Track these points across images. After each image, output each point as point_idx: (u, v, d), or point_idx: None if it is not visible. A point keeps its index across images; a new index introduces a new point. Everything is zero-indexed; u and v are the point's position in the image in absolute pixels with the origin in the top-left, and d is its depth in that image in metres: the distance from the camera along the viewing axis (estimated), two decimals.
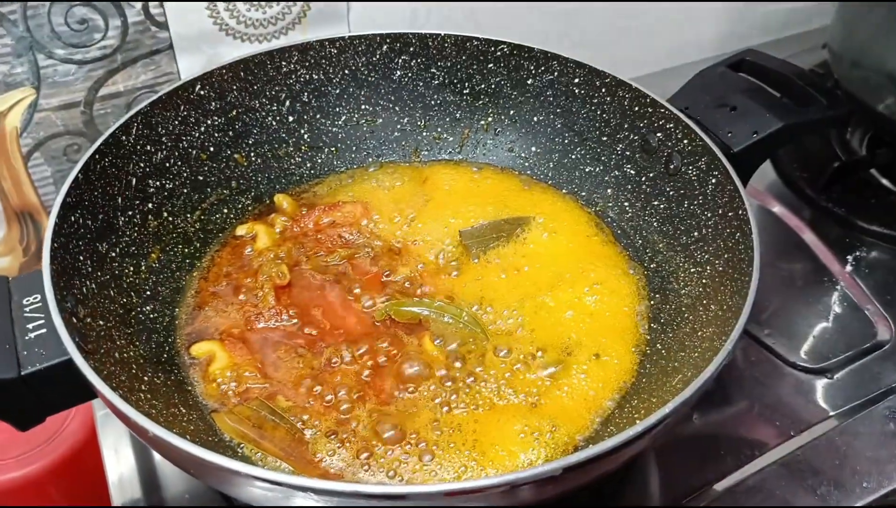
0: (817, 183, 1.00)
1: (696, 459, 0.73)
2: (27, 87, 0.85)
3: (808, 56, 1.20)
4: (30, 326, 0.59)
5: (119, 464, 0.73)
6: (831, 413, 0.77)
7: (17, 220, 0.93)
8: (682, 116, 0.75)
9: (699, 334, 0.66)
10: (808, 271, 0.92)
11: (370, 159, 0.91)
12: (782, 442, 0.75)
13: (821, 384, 0.80)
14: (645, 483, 0.73)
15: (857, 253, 0.94)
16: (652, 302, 0.75)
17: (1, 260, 0.96)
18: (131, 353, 0.65)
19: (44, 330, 0.58)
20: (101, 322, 0.64)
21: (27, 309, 0.60)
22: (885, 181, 1.02)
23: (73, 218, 0.66)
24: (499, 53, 0.86)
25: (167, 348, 0.70)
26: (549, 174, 0.88)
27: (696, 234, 0.74)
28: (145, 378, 0.64)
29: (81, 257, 0.66)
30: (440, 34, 0.86)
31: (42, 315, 0.59)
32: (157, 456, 0.73)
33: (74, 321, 0.60)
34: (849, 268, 0.92)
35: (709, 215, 0.72)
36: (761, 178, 1.04)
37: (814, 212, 0.99)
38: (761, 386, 0.80)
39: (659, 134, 0.78)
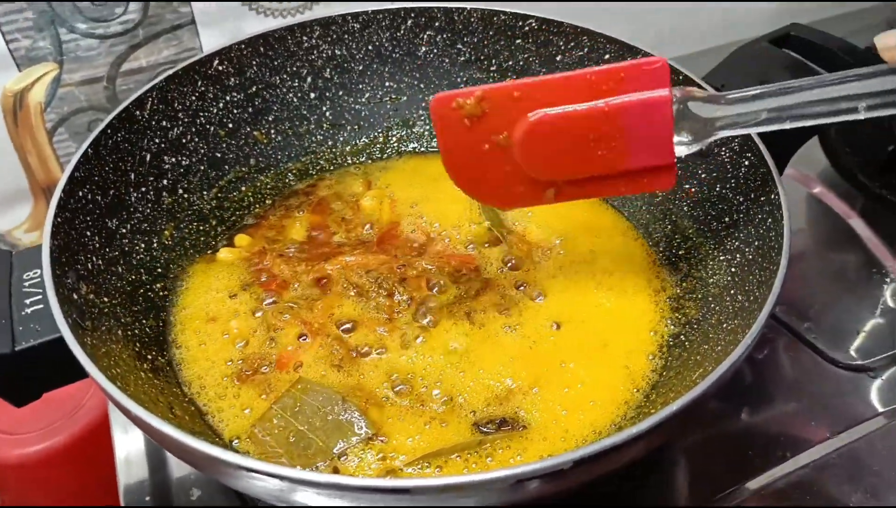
0: (871, 168, 0.94)
1: (730, 457, 0.70)
2: (50, 62, 0.85)
3: (871, 33, 1.12)
4: (27, 301, 0.58)
5: (127, 442, 0.72)
6: (875, 414, 0.72)
7: (43, 195, 0.93)
8: None
9: (724, 326, 0.62)
10: (859, 263, 0.87)
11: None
12: (819, 442, 0.70)
13: (866, 382, 0.75)
14: (670, 481, 0.69)
15: None
16: (679, 290, 0.71)
17: (29, 235, 0.96)
18: (136, 331, 0.65)
19: (41, 306, 0.58)
20: (105, 299, 0.63)
21: (27, 284, 0.59)
22: None
23: (80, 193, 0.65)
24: (527, 28, 0.82)
25: (175, 326, 0.69)
26: None
27: (727, 219, 0.69)
28: (149, 357, 0.63)
29: (89, 233, 0.65)
30: (466, 7, 0.83)
31: (41, 291, 0.58)
32: None
33: (75, 297, 0.59)
34: None
35: (741, 199, 0.68)
36: (811, 163, 0.98)
37: (867, 200, 0.93)
38: (802, 384, 0.75)
39: None
